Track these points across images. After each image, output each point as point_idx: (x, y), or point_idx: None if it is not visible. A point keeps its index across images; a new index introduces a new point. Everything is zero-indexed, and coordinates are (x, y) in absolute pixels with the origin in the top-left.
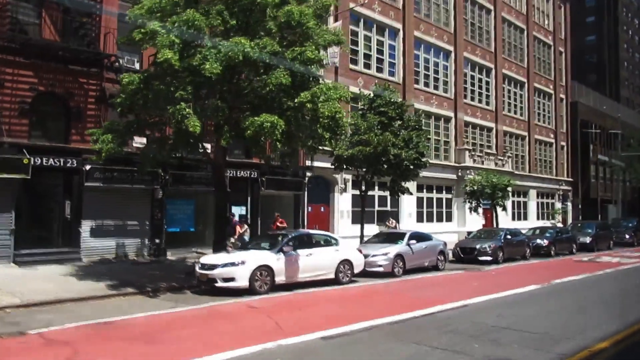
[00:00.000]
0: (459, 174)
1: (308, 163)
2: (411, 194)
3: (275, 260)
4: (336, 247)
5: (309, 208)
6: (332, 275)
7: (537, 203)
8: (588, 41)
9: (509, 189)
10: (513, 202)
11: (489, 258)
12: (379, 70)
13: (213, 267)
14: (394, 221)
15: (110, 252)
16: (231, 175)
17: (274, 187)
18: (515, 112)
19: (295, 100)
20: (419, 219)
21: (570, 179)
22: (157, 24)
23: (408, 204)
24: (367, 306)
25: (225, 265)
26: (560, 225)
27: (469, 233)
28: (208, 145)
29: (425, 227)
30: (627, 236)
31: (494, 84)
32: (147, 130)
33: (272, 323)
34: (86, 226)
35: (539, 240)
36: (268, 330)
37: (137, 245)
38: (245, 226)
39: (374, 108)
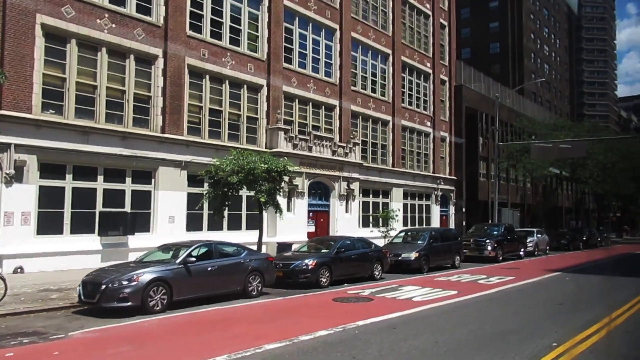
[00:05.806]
0: None
1: None
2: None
3: None
4: None
5: None
6: None
7: (406, 205)
8: (492, 28)
9: (286, 177)
10: (365, 203)
11: (124, 304)
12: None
13: None
14: None
15: None
16: None
17: None
18: (373, 90)
19: None
20: (194, 225)
21: (453, 177)
22: None
23: (168, 202)
24: None
25: None
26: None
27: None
28: None
29: (202, 237)
30: (488, 248)
31: (338, 50)
32: None
33: None
34: None
35: (304, 261)
36: None
37: None
38: None
39: None
